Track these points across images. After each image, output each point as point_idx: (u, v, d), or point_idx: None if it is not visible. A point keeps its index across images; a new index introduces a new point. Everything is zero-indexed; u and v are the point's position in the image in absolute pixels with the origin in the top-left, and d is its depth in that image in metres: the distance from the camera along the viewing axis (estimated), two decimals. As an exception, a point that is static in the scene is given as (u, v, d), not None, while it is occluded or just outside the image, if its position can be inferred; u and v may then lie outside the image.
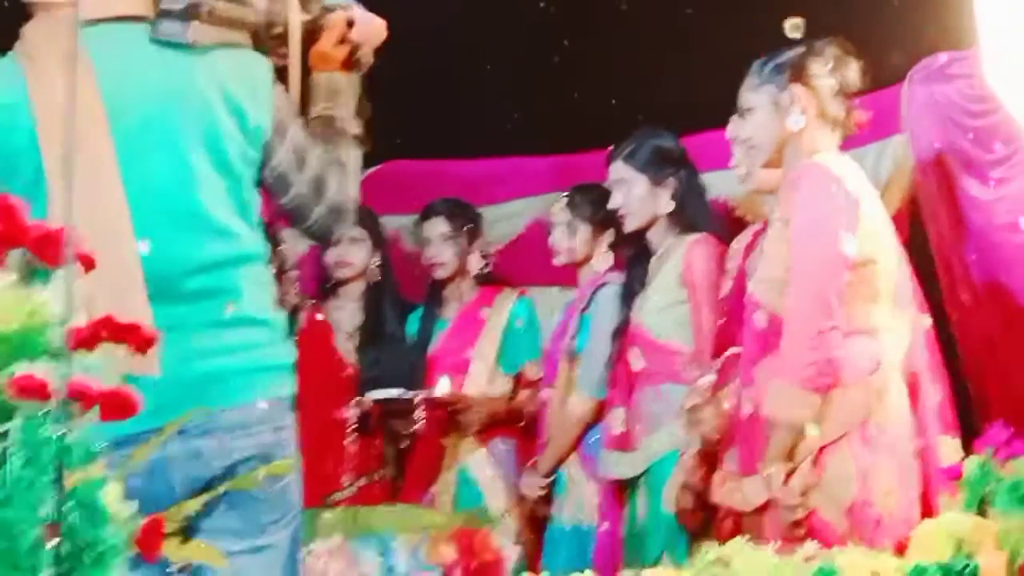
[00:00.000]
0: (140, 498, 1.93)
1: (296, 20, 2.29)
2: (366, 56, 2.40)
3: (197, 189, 2.16)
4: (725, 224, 3.98)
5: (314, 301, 4.47)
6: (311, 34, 2.33)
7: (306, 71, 2.36)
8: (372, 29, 2.40)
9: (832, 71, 3.10)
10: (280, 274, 4.59)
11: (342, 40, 2.36)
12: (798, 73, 3.11)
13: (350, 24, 2.36)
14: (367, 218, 4.43)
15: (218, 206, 2.18)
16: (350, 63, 2.37)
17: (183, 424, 2.00)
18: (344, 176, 2.33)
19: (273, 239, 4.47)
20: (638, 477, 3.78)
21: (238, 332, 2.20)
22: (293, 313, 4.44)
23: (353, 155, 2.36)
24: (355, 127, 2.37)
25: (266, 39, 2.30)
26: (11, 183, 2.00)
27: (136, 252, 2.04)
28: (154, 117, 2.15)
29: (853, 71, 3.12)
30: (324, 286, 4.47)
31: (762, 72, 3.16)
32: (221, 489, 1.51)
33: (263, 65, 2.27)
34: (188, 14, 2.17)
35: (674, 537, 3.60)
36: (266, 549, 2.19)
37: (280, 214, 2.32)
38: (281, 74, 2.33)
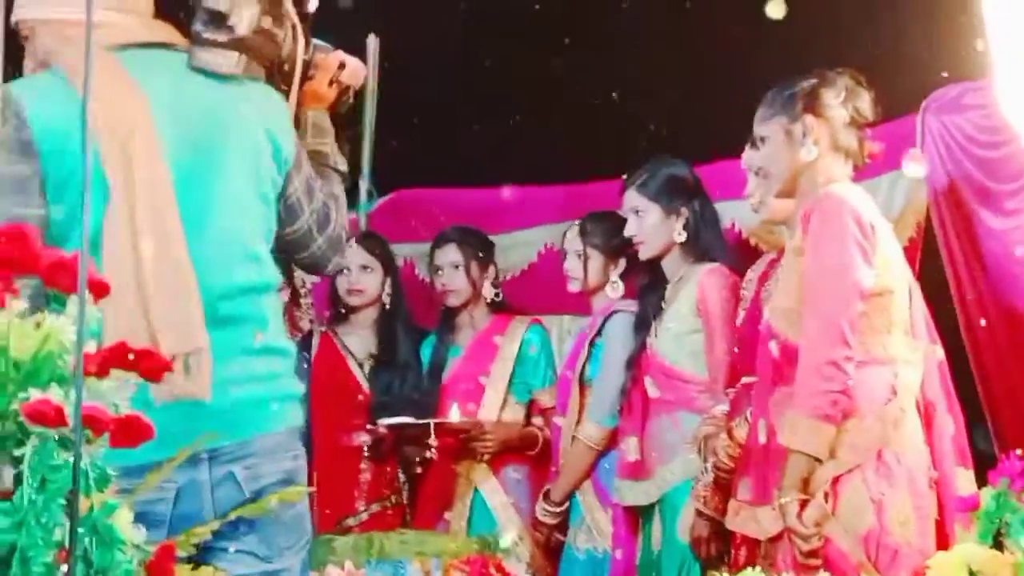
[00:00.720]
0: (173, 521, 1.96)
1: (300, 59, 2.36)
2: (348, 97, 2.49)
3: (239, 215, 2.20)
4: (739, 253, 3.98)
5: (327, 328, 4.48)
6: (304, 73, 2.40)
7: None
8: (357, 72, 2.49)
9: (844, 102, 3.11)
10: (295, 300, 4.61)
11: (331, 81, 2.44)
12: (811, 103, 3.11)
13: (341, 66, 2.44)
14: (379, 245, 4.45)
15: (253, 232, 2.23)
16: (336, 103, 2.47)
17: (217, 450, 2.09)
18: (340, 210, 2.41)
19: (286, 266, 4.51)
20: (653, 505, 3.77)
21: (265, 361, 2.24)
22: (307, 339, 4.46)
23: (341, 191, 2.45)
24: (343, 163, 2.46)
25: (276, 75, 2.35)
26: (58, 206, 2.02)
27: (193, 277, 2.06)
28: (204, 143, 2.18)
29: (865, 102, 3.13)
30: (337, 312, 4.48)
31: (775, 102, 3.17)
32: (232, 516, 1.51)
33: (277, 97, 2.32)
34: (230, 45, 2.21)
35: (689, 565, 3.60)
36: (281, 573, 2.22)
37: (280, 242, 2.35)
38: None
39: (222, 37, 2.21)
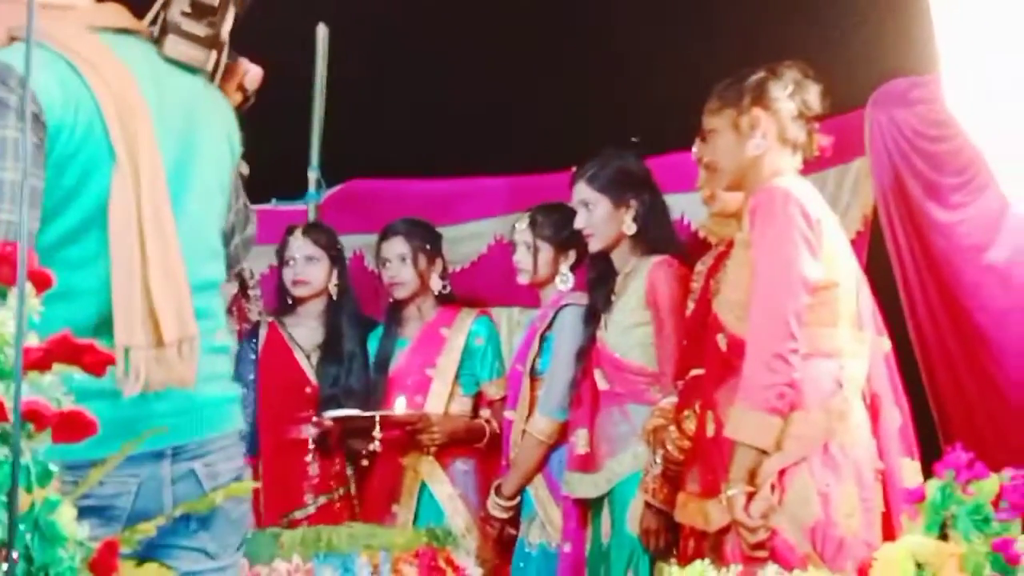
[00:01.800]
0: (132, 516, 1.94)
1: (223, 62, 2.31)
2: (248, 103, 2.46)
3: (208, 209, 2.19)
4: (689, 246, 3.99)
5: (274, 318, 4.46)
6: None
7: None
8: (256, 79, 2.45)
9: (792, 95, 3.12)
10: (244, 291, 4.58)
11: (238, 86, 2.40)
12: (758, 96, 3.12)
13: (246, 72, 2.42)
14: (324, 235, 4.43)
15: (216, 227, 2.23)
16: (240, 108, 2.44)
17: (181, 446, 2.06)
18: (250, 213, 2.39)
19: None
20: (602, 498, 3.77)
21: (222, 359, 2.22)
22: (254, 331, 4.43)
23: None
24: (245, 168, 2.41)
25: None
26: (59, 179, 1.97)
27: (183, 263, 2.04)
28: (182, 134, 2.15)
29: (813, 95, 3.14)
30: (283, 303, 4.45)
31: (724, 95, 3.17)
32: (176, 512, 1.49)
33: (223, 95, 2.32)
34: (206, 41, 2.20)
35: (638, 558, 3.60)
36: (227, 570, 2.20)
37: None
38: None
39: (201, 32, 2.19)
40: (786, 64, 3.15)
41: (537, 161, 4.53)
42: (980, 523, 2.37)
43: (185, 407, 2.07)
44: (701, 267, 3.61)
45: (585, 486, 3.80)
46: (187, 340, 1.97)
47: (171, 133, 2.12)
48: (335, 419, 4.15)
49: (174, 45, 2.17)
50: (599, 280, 3.92)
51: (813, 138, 3.16)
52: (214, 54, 2.20)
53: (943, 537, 2.42)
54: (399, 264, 4.32)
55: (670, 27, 4.15)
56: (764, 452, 2.92)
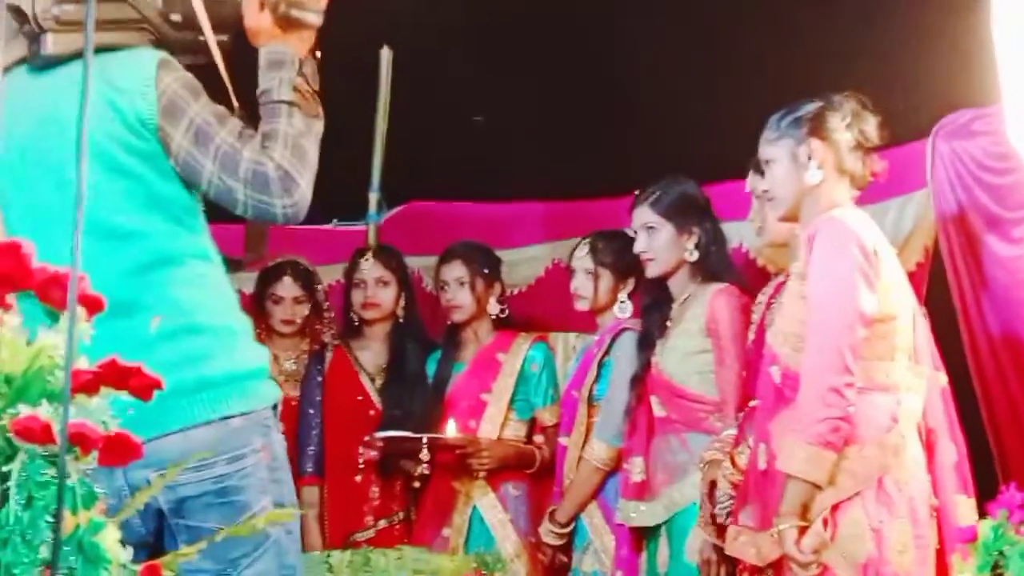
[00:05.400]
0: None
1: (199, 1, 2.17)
2: (300, 10, 2.22)
3: (88, 200, 2.07)
4: (747, 274, 3.98)
5: (340, 341, 4.47)
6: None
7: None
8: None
9: (850, 125, 3.10)
10: (319, 313, 4.60)
11: (263, 6, 2.21)
12: (816, 127, 3.10)
13: None
14: (395, 259, 4.45)
15: (118, 210, 2.09)
16: (284, 25, 2.22)
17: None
18: (270, 147, 2.14)
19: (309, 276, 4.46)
20: (659, 526, 3.74)
21: (175, 346, 2.06)
22: (321, 352, 4.45)
23: (293, 124, 2.18)
24: (287, 94, 2.19)
25: (169, 32, 2.21)
26: None
27: None
28: (29, 146, 2.11)
29: (871, 125, 3.12)
30: (350, 325, 4.47)
31: (780, 125, 3.16)
32: (218, 537, 1.50)
33: (143, 55, 2.17)
34: (40, 28, 2.12)
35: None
36: None
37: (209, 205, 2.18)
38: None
39: (34, 24, 2.11)
40: (844, 94, 3.14)
41: (594, 187, 4.53)
42: (1033, 564, 2.34)
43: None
44: (762, 297, 3.59)
45: (642, 514, 3.77)
46: None
47: (21, 152, 2.08)
48: (385, 440, 4.16)
49: (48, 41, 2.12)
50: (653, 306, 3.90)
51: (868, 163, 3.14)
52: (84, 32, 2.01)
53: (996, 578, 2.40)
54: (457, 288, 4.33)
55: (729, 55, 4.13)
56: (817, 486, 2.88)
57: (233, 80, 2.24)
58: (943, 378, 3.18)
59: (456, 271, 4.33)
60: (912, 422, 3.01)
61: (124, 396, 1.38)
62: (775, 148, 3.15)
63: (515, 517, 4.21)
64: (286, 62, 2.21)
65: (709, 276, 3.82)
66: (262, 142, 2.14)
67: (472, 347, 4.39)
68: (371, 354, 4.42)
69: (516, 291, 4.71)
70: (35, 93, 2.16)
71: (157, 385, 1.39)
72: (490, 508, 4.20)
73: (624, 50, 4.27)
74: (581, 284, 4.15)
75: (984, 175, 3.72)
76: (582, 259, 4.16)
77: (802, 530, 2.87)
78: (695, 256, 3.82)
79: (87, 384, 1.34)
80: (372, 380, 4.39)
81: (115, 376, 1.36)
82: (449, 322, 4.41)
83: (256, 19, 2.21)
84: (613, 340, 4.08)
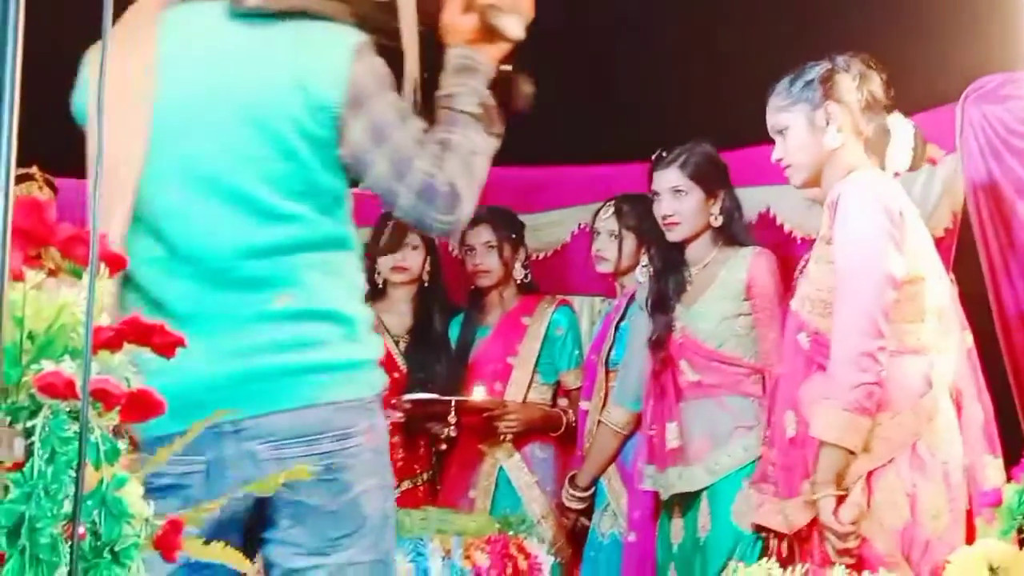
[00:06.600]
0: (197, 498, 1.89)
1: None
2: (507, 24, 2.13)
3: (243, 170, 2.02)
4: (775, 240, 3.96)
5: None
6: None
7: None
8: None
9: (859, 86, 3.07)
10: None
11: (469, 7, 2.12)
12: (830, 89, 3.06)
13: None
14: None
15: (272, 188, 2.03)
16: (486, 34, 2.13)
17: (237, 424, 1.98)
18: (445, 158, 2.05)
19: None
20: (697, 491, 3.69)
21: (296, 327, 2.04)
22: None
23: (470, 138, 2.08)
24: (472, 106, 2.10)
25: (370, 12, 2.10)
26: None
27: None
28: (202, 96, 2.04)
29: (877, 84, 3.08)
30: (374, 288, 4.47)
31: (792, 91, 3.11)
32: (239, 492, 1.50)
33: (342, 36, 2.05)
34: None
35: (742, 550, 3.51)
36: (347, 569, 2.06)
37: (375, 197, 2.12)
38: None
39: None
40: (847, 55, 3.09)
41: (617, 151, 4.49)
42: (1057, 529, 2.32)
43: (223, 380, 1.97)
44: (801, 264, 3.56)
45: (683, 480, 3.72)
46: None
47: (190, 100, 2.03)
48: (413, 402, 4.17)
49: None
50: (668, 270, 3.85)
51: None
52: None
53: (1021, 542, 2.38)
54: (484, 252, 4.33)
55: (751, 21, 4.10)
56: (852, 453, 2.85)
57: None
58: (969, 338, 3.14)
59: (483, 235, 4.32)
60: (944, 384, 2.97)
61: (147, 353, 1.39)
62: (789, 115, 3.10)
63: (542, 479, 4.22)
64: (479, 71, 2.14)
65: (729, 241, 3.81)
66: (437, 151, 2.06)
67: (496, 312, 4.40)
68: (396, 317, 4.43)
69: (541, 256, 4.70)
70: (221, 41, 2.08)
71: (180, 343, 1.39)
72: (517, 470, 4.22)
73: (647, 15, 4.24)
74: (604, 246, 4.15)
75: (1014, 140, 3.67)
76: (606, 220, 4.15)
77: (839, 499, 2.84)
78: (719, 221, 3.80)
79: (109, 341, 1.35)
80: (396, 343, 4.39)
81: (137, 333, 1.37)
82: (473, 286, 4.41)
83: (458, 18, 2.14)
84: (628, 304, 4.07)
